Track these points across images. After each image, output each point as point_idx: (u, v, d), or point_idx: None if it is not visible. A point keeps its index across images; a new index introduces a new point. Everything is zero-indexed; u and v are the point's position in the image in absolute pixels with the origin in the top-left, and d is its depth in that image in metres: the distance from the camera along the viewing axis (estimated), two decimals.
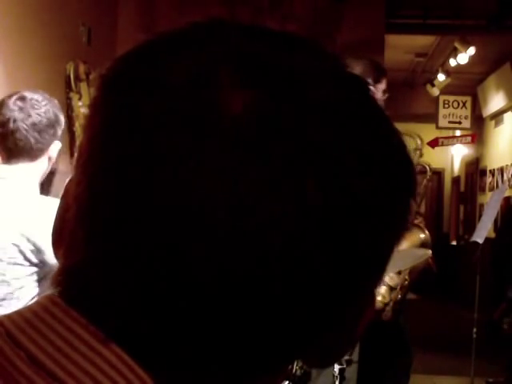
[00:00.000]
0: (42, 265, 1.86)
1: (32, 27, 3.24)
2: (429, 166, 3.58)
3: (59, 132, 1.98)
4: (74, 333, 0.38)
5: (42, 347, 0.37)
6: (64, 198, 0.43)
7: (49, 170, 2.01)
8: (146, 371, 0.38)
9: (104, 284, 0.39)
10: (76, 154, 0.43)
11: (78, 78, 3.68)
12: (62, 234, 0.42)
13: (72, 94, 3.63)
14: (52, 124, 1.95)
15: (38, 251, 1.84)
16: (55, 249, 0.44)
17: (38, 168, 1.96)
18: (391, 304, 3.32)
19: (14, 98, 1.93)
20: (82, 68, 3.70)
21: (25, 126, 1.90)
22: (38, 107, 1.92)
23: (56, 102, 2.03)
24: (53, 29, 3.48)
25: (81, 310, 0.39)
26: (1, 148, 1.94)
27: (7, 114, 1.90)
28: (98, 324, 0.38)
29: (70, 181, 0.42)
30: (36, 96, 1.95)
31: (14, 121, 1.90)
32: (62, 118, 2.01)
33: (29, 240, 1.83)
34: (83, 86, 3.71)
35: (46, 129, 1.93)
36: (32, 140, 1.91)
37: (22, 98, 1.92)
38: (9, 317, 0.40)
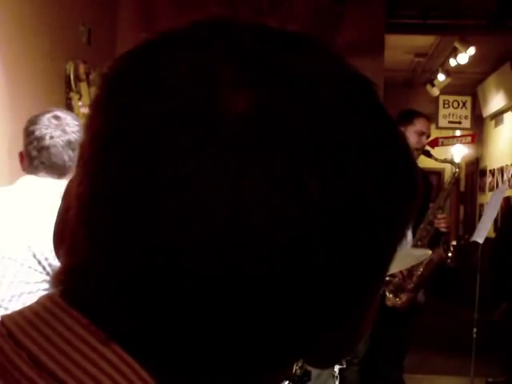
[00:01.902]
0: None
1: (32, 27, 3.24)
2: (458, 164, 3.67)
3: None
4: (75, 333, 0.38)
5: (43, 347, 0.37)
6: (65, 198, 0.43)
7: None
8: (147, 371, 0.37)
9: (105, 284, 0.39)
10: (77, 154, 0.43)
11: (78, 78, 3.67)
12: (63, 234, 0.42)
13: (72, 94, 3.63)
14: None
15: (52, 260, 1.85)
16: (57, 248, 0.44)
17: (63, 185, 1.97)
18: (405, 292, 3.35)
19: (49, 115, 1.97)
20: (82, 68, 3.70)
21: (61, 143, 1.95)
22: (72, 126, 1.98)
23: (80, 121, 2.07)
24: (53, 29, 3.48)
25: (82, 309, 0.39)
26: (31, 160, 1.97)
27: (43, 130, 1.95)
28: (99, 324, 0.38)
29: (71, 181, 0.42)
30: (68, 116, 2.01)
31: (51, 137, 1.94)
32: None
33: (44, 250, 1.84)
34: (83, 86, 3.70)
35: (77, 148, 1.95)
36: (66, 157, 1.96)
37: (57, 117, 1.97)
38: (10, 317, 0.40)
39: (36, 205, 1.91)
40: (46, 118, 1.96)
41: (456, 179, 3.74)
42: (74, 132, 1.97)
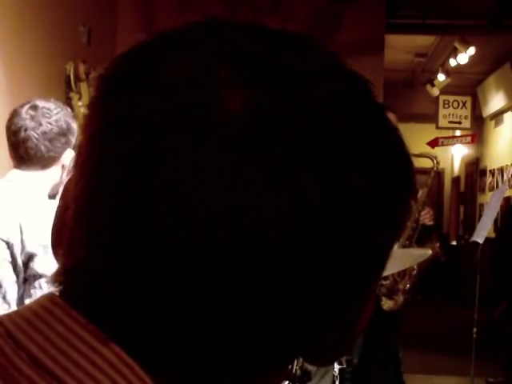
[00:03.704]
0: (25, 269, 1.86)
1: (32, 27, 3.24)
2: (435, 157, 3.57)
3: (72, 140, 1.99)
4: (74, 332, 0.38)
5: (43, 347, 0.37)
6: (63, 198, 0.43)
7: (63, 177, 2.02)
8: (145, 371, 0.38)
9: (103, 283, 0.39)
10: (75, 154, 0.43)
11: (78, 78, 3.68)
12: (61, 234, 0.42)
13: (72, 94, 3.63)
14: (63, 132, 1.96)
15: (27, 254, 1.84)
16: (55, 248, 0.44)
17: (49, 176, 1.97)
18: (400, 294, 3.34)
19: (26, 107, 1.95)
20: (81, 68, 3.70)
21: (35, 135, 1.92)
22: (49, 116, 1.94)
23: (69, 110, 2.05)
24: (53, 29, 3.48)
25: (81, 309, 0.39)
26: (13, 156, 1.96)
27: (19, 123, 1.92)
28: (98, 323, 0.38)
29: (69, 180, 0.42)
30: (48, 105, 1.97)
31: (25, 130, 1.92)
32: (75, 126, 2.01)
33: (22, 241, 1.84)
34: (83, 86, 3.71)
35: (57, 137, 1.94)
36: (43, 149, 1.93)
37: (34, 107, 1.94)
38: (9, 316, 0.40)
39: (15, 198, 1.90)
40: (24, 110, 1.94)
41: (436, 173, 3.66)
42: (50, 122, 1.93)
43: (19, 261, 1.85)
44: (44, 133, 1.92)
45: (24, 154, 1.93)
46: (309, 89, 0.39)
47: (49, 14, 3.43)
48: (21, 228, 1.84)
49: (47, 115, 1.94)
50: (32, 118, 1.92)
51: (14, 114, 1.95)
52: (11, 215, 1.85)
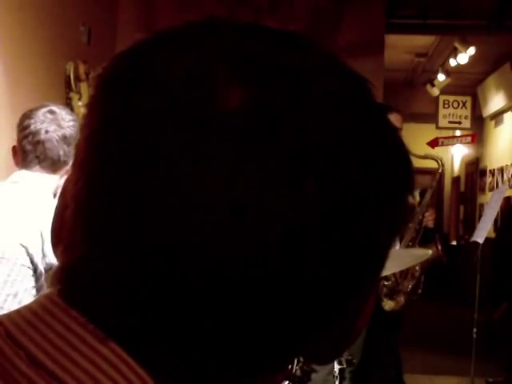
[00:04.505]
0: (48, 269, 1.86)
1: (32, 27, 3.24)
2: (441, 159, 3.53)
3: None
4: (74, 332, 0.38)
5: (42, 347, 0.38)
6: (62, 197, 0.43)
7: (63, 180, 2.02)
8: (145, 370, 0.37)
9: (103, 282, 0.39)
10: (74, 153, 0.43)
11: (78, 78, 3.68)
12: (60, 233, 0.42)
13: (72, 94, 3.63)
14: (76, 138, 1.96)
15: (44, 256, 1.84)
16: (54, 247, 0.44)
17: (57, 180, 1.97)
18: (402, 294, 3.34)
19: (44, 110, 1.96)
20: (81, 68, 3.70)
21: (56, 138, 1.93)
22: (67, 120, 1.96)
23: (76, 117, 2.06)
24: (53, 29, 3.48)
25: (80, 308, 0.39)
26: (25, 155, 1.95)
27: (39, 124, 1.93)
28: (98, 323, 0.38)
29: (68, 180, 0.42)
30: (64, 111, 1.99)
31: (46, 131, 1.93)
32: None
33: (35, 245, 1.83)
34: (83, 86, 3.71)
35: (73, 143, 1.95)
36: (61, 152, 1.94)
37: (52, 111, 1.96)
38: (8, 316, 0.40)
39: (30, 200, 1.90)
40: (41, 113, 1.95)
41: (440, 176, 3.63)
42: (69, 127, 1.95)
43: (41, 268, 1.85)
44: (64, 137, 1.94)
45: (41, 154, 1.93)
46: (308, 88, 0.39)
47: (49, 14, 3.43)
48: (42, 237, 1.83)
49: (66, 119, 1.96)
50: (52, 120, 1.94)
51: (31, 116, 1.95)
52: (31, 222, 1.84)
